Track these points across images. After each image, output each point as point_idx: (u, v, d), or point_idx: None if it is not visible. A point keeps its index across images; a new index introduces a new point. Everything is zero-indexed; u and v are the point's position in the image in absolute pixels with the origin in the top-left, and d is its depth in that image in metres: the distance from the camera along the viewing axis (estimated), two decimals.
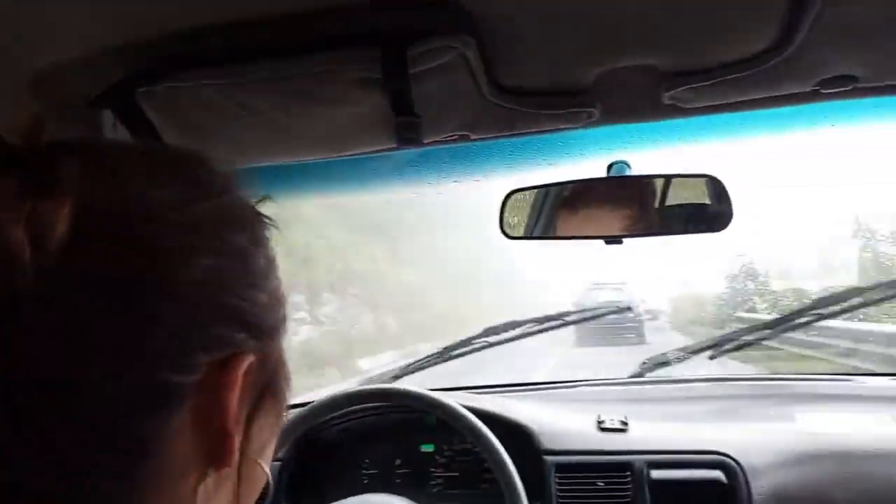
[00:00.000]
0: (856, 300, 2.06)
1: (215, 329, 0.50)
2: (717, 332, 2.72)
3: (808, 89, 0.99)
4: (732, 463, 1.56)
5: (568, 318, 2.36)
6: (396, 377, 2.19)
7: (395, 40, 0.83)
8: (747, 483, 1.53)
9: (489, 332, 2.27)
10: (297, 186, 1.42)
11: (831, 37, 0.86)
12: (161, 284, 0.47)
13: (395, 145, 1.05)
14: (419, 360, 2.21)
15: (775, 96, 1.02)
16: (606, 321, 14.21)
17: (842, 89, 0.98)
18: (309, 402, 1.64)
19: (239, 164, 1.03)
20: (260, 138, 1.02)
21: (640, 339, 13.57)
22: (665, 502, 1.55)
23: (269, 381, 0.57)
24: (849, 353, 7.92)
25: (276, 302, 0.58)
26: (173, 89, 0.87)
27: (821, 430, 1.69)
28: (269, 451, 0.59)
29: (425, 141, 1.05)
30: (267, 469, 0.58)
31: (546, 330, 2.30)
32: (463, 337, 2.19)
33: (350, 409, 1.75)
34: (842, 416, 1.83)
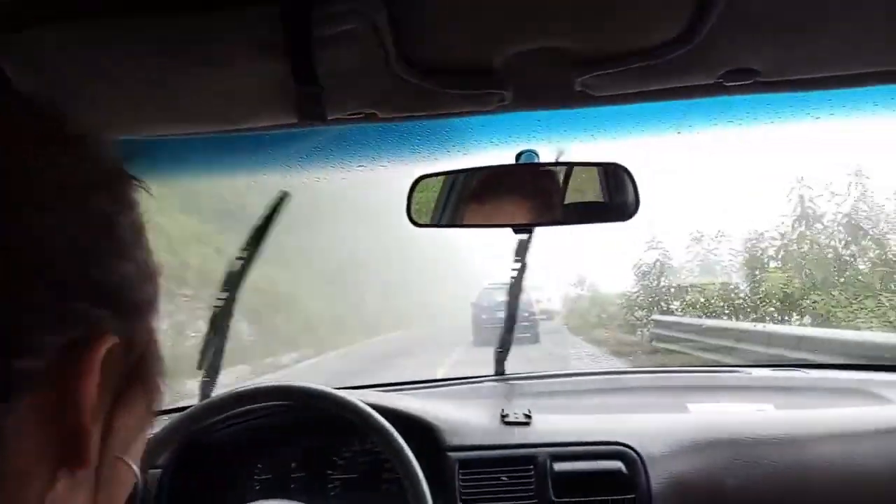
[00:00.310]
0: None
1: (68, 304, 0.42)
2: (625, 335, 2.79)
3: (712, 81, 1.00)
4: (632, 453, 1.59)
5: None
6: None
7: (298, 1, 0.76)
8: (646, 472, 1.57)
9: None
10: (180, 166, 1.29)
11: (736, 29, 0.87)
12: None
13: (296, 120, 0.97)
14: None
15: (682, 87, 1.03)
16: (499, 321, 15.01)
17: (744, 83, 1.00)
18: (191, 406, 1.52)
19: (112, 134, 0.91)
20: (140, 105, 0.91)
21: (534, 338, 14.04)
22: (568, 493, 1.56)
23: (137, 366, 0.50)
24: (716, 349, 8.53)
25: (146, 275, 0.51)
26: (37, 39, 0.76)
27: (712, 419, 1.76)
28: (138, 449, 0.52)
29: (329, 118, 0.98)
30: (136, 470, 0.50)
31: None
32: (334, 344, 2.10)
33: (240, 410, 1.64)
34: (730, 405, 1.92)
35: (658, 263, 13.24)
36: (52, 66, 0.80)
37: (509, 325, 2.20)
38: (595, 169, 1.23)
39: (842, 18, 0.87)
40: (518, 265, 2.03)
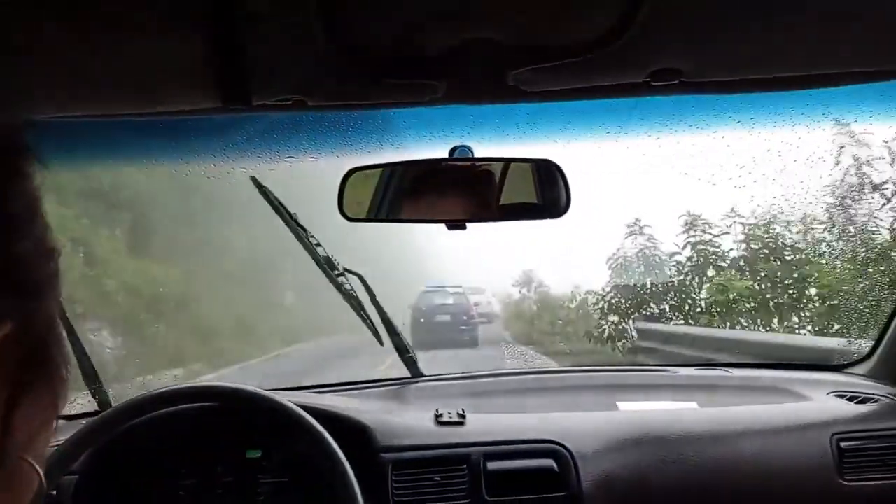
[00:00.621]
0: None
1: None
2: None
3: (640, 80, 1.02)
4: (564, 451, 1.61)
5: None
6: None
7: None
8: (577, 470, 1.58)
9: None
10: (94, 151, 1.21)
11: (662, 28, 0.89)
12: None
13: (219, 104, 0.93)
14: None
15: (612, 85, 1.05)
16: (440, 324, 14.09)
17: (669, 83, 1.02)
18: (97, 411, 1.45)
19: (13, 112, 0.84)
20: (44, 81, 0.85)
21: (473, 342, 13.96)
22: (501, 492, 1.56)
23: (36, 352, 0.46)
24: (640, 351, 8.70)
25: (44, 252, 0.47)
26: None
27: (640, 417, 1.80)
28: (42, 445, 0.48)
29: (255, 103, 0.94)
30: (40, 469, 0.46)
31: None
32: (239, 355, 2.03)
33: (164, 413, 1.56)
34: (658, 403, 1.97)
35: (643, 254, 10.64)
36: None
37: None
38: (528, 166, 1.23)
39: (763, 23, 0.90)
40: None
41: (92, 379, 1.87)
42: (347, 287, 2.02)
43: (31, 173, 0.48)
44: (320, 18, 0.82)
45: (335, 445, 1.37)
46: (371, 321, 2.07)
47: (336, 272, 1.99)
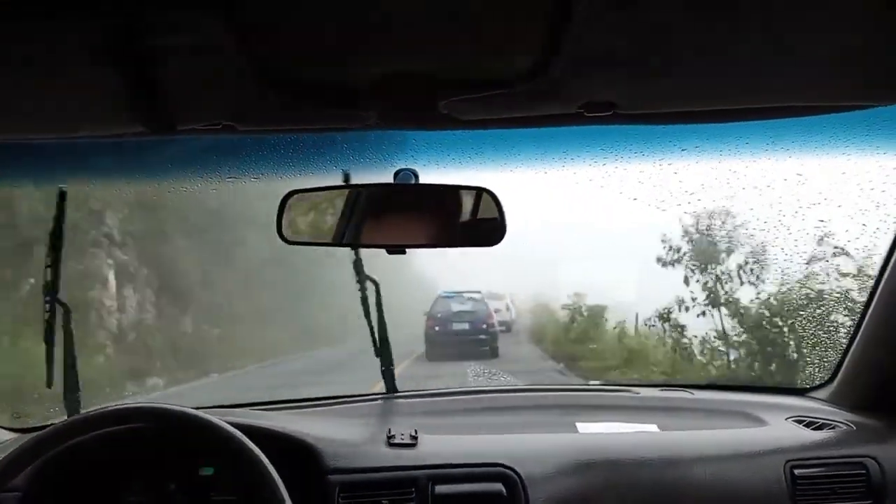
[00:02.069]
0: None
1: None
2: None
3: (573, 111, 1.02)
4: (513, 475, 1.59)
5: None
6: None
7: (129, 7, 0.71)
8: (525, 494, 1.57)
9: None
10: (27, 172, 1.20)
11: (590, 62, 0.89)
12: None
13: (143, 129, 0.92)
14: None
15: (546, 115, 1.04)
16: (457, 333, 12.95)
17: (604, 114, 1.02)
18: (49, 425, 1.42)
19: None
20: None
21: (492, 353, 12.57)
22: None
23: None
24: None
25: None
26: None
27: (596, 441, 1.79)
28: None
29: (180, 128, 0.93)
30: None
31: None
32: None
33: (117, 430, 1.54)
34: (618, 425, 1.95)
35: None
36: None
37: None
38: (468, 193, 1.23)
39: (690, 60, 0.90)
40: None
41: (72, 391, 1.86)
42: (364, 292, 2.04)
43: None
44: (241, 51, 0.82)
45: (269, 466, 1.35)
46: (373, 329, 2.09)
47: (360, 276, 2.01)
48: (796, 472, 1.68)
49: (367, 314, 2.06)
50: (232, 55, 0.81)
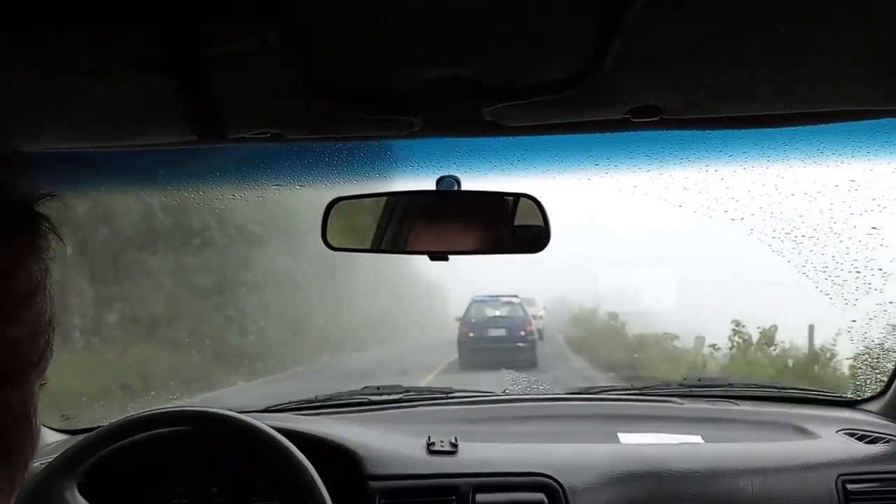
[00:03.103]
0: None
1: None
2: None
3: (619, 116, 1.01)
4: (555, 485, 1.58)
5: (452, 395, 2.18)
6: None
7: (186, 16, 0.74)
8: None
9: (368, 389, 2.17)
10: (82, 181, 1.25)
11: (637, 67, 0.88)
12: None
13: (195, 137, 0.95)
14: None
15: (591, 121, 1.04)
16: (492, 339, 12.27)
17: (650, 119, 1.01)
18: (96, 427, 1.46)
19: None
20: (28, 119, 0.88)
21: (531, 362, 11.78)
22: None
23: (1, 438, 0.45)
24: None
25: (34, 333, 0.46)
26: None
27: (639, 451, 1.76)
28: None
29: (230, 136, 0.96)
30: None
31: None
32: None
33: (154, 435, 1.58)
34: (661, 436, 1.92)
35: None
36: None
37: None
38: (511, 200, 1.23)
39: (739, 63, 0.89)
40: None
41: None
42: None
43: (43, 248, 0.47)
44: (290, 61, 0.83)
45: (311, 470, 1.36)
46: None
47: None
48: (849, 486, 1.63)
49: None
50: (280, 64, 0.83)
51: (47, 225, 0.49)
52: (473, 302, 13.91)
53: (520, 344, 12.18)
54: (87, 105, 0.87)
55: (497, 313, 13.26)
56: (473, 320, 13.18)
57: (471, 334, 12.78)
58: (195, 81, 0.80)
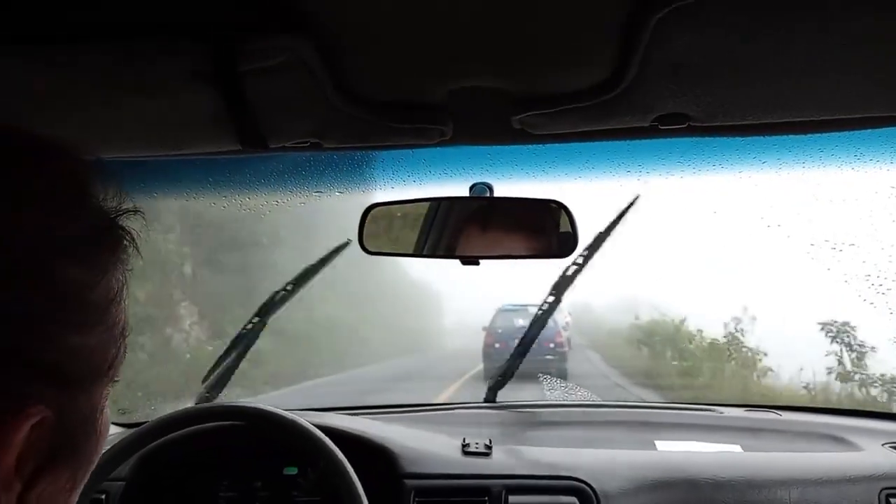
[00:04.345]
0: None
1: (1, 378, 0.41)
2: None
3: (647, 124, 1.03)
4: (587, 489, 1.58)
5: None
6: None
7: (225, 33, 0.79)
8: None
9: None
10: (138, 186, 1.33)
11: (661, 75, 0.90)
12: None
13: (238, 147, 1.01)
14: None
15: (619, 128, 1.06)
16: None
17: (678, 126, 1.02)
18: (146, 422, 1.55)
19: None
20: (81, 130, 0.95)
21: (561, 376, 10.72)
22: None
23: (67, 439, 0.47)
24: None
25: (107, 342, 0.48)
26: None
27: (676, 458, 1.75)
28: None
29: (271, 146, 1.01)
30: None
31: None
32: None
33: (207, 428, 1.65)
34: (699, 444, 1.90)
35: None
36: None
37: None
38: (541, 206, 1.25)
39: (764, 70, 0.89)
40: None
41: (217, 388, 2.11)
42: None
43: (122, 261, 0.50)
44: (325, 74, 0.88)
45: (348, 466, 1.41)
46: None
47: None
48: (893, 501, 1.58)
49: None
50: (317, 77, 0.88)
51: (129, 239, 0.51)
52: (499, 311, 13.41)
53: (548, 357, 11.60)
54: (139, 117, 0.94)
55: (525, 323, 12.50)
56: (499, 330, 12.65)
57: (496, 345, 12.28)
58: (237, 94, 0.86)
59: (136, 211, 0.51)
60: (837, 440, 1.89)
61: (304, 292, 2.02)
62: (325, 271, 1.99)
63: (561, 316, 14.05)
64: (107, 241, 0.49)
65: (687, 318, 13.35)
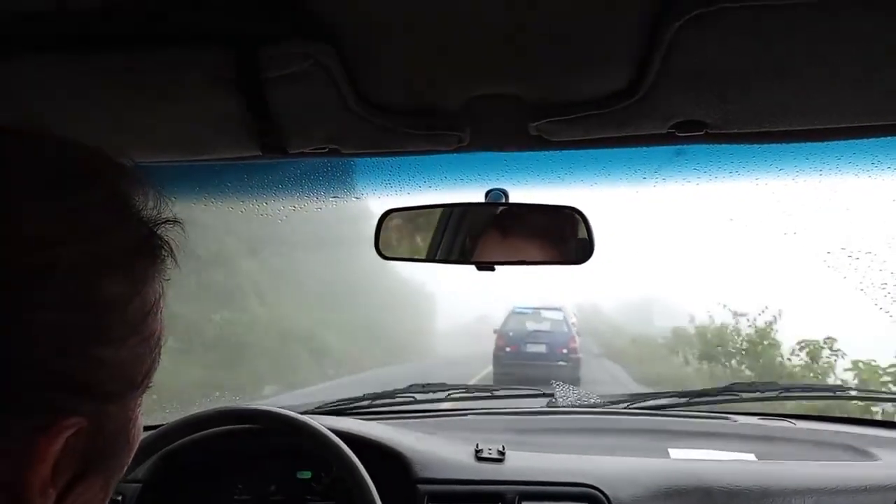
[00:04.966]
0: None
1: (39, 394, 0.42)
2: None
3: (664, 131, 1.03)
4: (601, 496, 1.58)
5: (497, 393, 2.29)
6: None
7: (248, 41, 0.80)
8: None
9: (414, 388, 2.21)
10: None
11: (679, 83, 0.90)
12: None
13: (259, 153, 1.02)
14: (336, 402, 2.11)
15: (636, 135, 1.06)
16: (531, 356, 11.24)
17: (695, 133, 1.02)
18: (163, 424, 1.56)
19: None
20: (106, 136, 0.97)
21: (573, 381, 10.16)
22: None
23: (101, 449, 0.48)
24: None
25: (142, 354, 0.49)
26: (3, 70, 0.81)
27: (689, 466, 1.74)
28: None
29: (291, 151, 1.03)
30: None
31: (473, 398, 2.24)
32: None
33: (222, 431, 1.66)
34: (710, 452, 1.89)
35: None
36: (12, 100, 0.86)
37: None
38: (557, 212, 1.26)
39: (782, 77, 0.89)
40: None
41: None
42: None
43: (161, 273, 0.50)
44: (345, 81, 0.89)
45: (363, 471, 1.41)
46: None
47: None
48: None
49: None
50: (336, 84, 0.89)
51: (167, 250, 0.51)
52: (511, 314, 12.92)
53: (561, 363, 11.29)
54: (162, 123, 0.96)
55: (537, 327, 12.25)
56: (511, 333, 12.22)
57: (507, 349, 11.88)
58: (260, 101, 0.87)
59: (175, 221, 0.52)
60: (853, 449, 1.87)
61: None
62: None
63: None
64: (147, 254, 0.49)
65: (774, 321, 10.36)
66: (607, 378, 12.52)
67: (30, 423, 0.42)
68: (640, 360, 14.01)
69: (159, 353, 0.52)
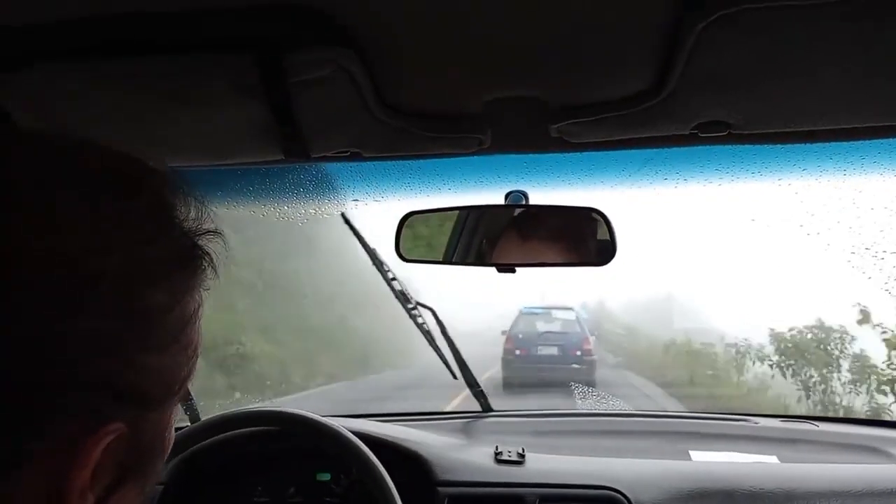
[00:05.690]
0: None
1: (82, 397, 0.43)
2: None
3: (686, 132, 1.02)
4: (622, 499, 1.57)
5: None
6: None
7: (271, 47, 0.81)
8: None
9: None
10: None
11: (702, 83, 0.90)
12: (20, 344, 0.40)
13: (281, 157, 1.03)
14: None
15: (658, 136, 1.05)
16: (543, 358, 10.70)
17: (718, 134, 1.02)
18: (185, 426, 1.57)
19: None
20: (132, 141, 0.98)
21: (589, 384, 9.77)
22: None
23: (139, 455, 0.49)
24: None
25: (180, 362, 0.50)
26: (31, 77, 0.83)
27: (710, 468, 1.73)
28: None
29: (313, 155, 1.03)
30: None
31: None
32: None
33: (241, 434, 1.68)
34: (732, 455, 1.88)
35: None
36: (43, 106, 0.88)
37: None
38: (578, 213, 1.25)
39: (805, 77, 0.89)
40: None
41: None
42: (420, 320, 2.09)
43: (201, 283, 0.51)
44: (368, 85, 0.90)
45: (384, 473, 1.41)
46: (443, 354, 2.13)
47: (410, 305, 2.06)
48: None
49: (430, 341, 2.09)
50: (358, 89, 0.90)
51: (208, 260, 0.51)
52: (521, 315, 12.22)
53: (574, 366, 10.53)
54: (187, 128, 0.97)
55: (549, 328, 11.58)
56: (521, 336, 11.51)
57: (517, 352, 11.16)
58: (283, 106, 0.88)
59: (216, 232, 0.52)
60: (878, 452, 1.85)
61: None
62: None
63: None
64: (188, 264, 0.50)
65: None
66: (626, 389, 10.86)
67: (74, 426, 0.43)
68: (680, 376, 11.91)
69: (196, 362, 0.53)
